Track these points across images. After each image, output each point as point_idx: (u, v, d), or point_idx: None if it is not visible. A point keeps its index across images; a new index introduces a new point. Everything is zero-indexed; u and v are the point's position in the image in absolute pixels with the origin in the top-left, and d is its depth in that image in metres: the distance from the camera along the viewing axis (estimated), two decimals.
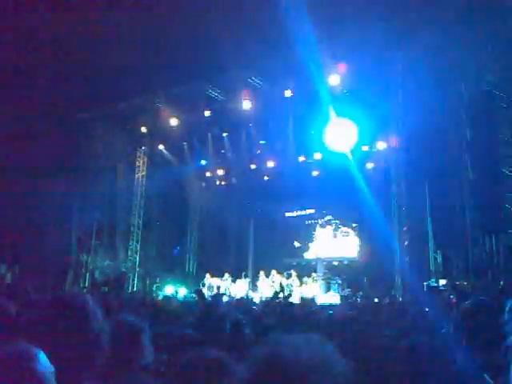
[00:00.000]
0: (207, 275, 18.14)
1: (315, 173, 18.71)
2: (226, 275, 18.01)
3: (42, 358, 1.28)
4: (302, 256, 19.98)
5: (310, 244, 20.02)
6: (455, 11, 11.92)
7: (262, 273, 17.91)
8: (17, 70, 14.79)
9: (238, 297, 15.09)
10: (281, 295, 10.13)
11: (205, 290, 17.10)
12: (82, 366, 1.54)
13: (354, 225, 19.26)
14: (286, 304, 7.09)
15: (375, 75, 14.21)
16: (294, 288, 16.31)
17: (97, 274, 18.54)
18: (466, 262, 12.22)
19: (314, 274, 17.35)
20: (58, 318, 1.63)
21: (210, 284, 17.75)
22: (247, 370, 0.91)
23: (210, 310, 4.41)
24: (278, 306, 6.79)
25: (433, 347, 2.03)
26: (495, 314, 2.45)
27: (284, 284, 16.70)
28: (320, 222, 20.04)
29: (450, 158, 12.84)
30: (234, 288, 17.40)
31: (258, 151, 18.93)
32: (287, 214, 21.31)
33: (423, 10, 12.39)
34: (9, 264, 17.12)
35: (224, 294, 15.38)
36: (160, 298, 12.11)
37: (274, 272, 17.40)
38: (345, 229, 19.46)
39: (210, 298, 11.25)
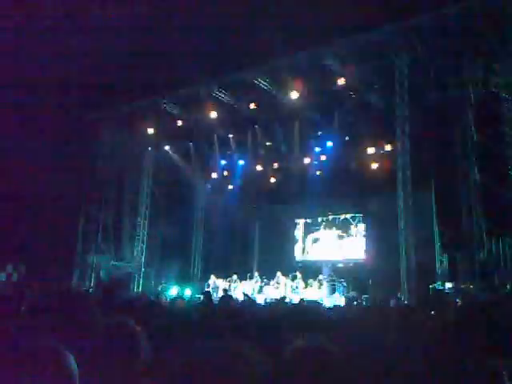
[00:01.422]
0: (212, 276, 18.14)
1: (320, 174, 18.67)
2: (234, 277, 18.01)
3: (69, 354, 1.32)
4: (307, 257, 19.97)
5: (314, 245, 20.01)
6: (462, 12, 11.88)
7: (267, 275, 17.90)
8: (25, 71, 14.88)
9: (242, 298, 15.09)
10: (287, 299, 10.11)
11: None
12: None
13: (359, 227, 19.22)
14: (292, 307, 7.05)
15: (381, 77, 14.19)
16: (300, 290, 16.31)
17: (102, 274, 18.60)
18: (472, 265, 12.14)
19: (320, 276, 17.30)
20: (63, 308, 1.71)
21: (214, 285, 17.74)
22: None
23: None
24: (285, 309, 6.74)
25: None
26: (489, 314, 2.44)
27: (290, 285, 16.70)
28: (325, 223, 20.01)
29: (457, 160, 12.77)
30: (239, 290, 17.38)
31: (264, 152, 18.94)
32: (293, 216, 21.28)
33: (429, 11, 12.36)
34: (15, 263, 17.23)
35: (231, 295, 15.33)
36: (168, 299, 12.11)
37: (279, 274, 17.37)
38: (350, 230, 19.42)
39: (216, 300, 11.26)
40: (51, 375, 1.26)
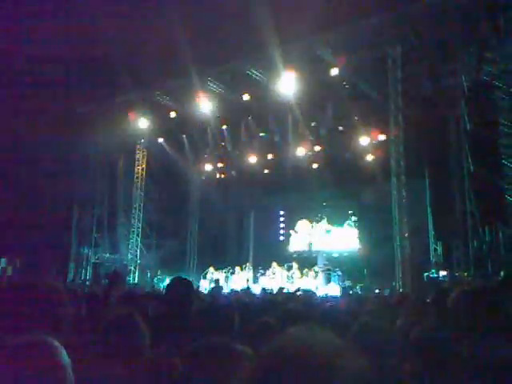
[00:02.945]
0: (211, 268, 18.05)
1: (315, 165, 18.69)
2: (228, 268, 18.05)
3: (61, 348, 1.30)
4: (302, 247, 20.05)
5: (308, 235, 20.08)
6: (454, 1, 11.87)
7: (262, 265, 17.98)
8: (17, 64, 14.74)
9: (238, 289, 15.16)
10: (285, 290, 10.17)
11: (206, 283, 17.18)
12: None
13: (354, 216, 19.32)
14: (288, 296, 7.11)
15: (374, 66, 14.16)
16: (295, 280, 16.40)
17: (98, 267, 18.60)
18: (466, 253, 12.27)
19: (315, 266, 17.38)
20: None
21: (212, 277, 17.76)
22: (257, 367, 0.88)
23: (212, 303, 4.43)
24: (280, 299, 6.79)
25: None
26: (489, 300, 2.48)
27: (285, 275, 16.79)
28: (319, 213, 20.08)
29: (450, 150, 12.84)
30: (235, 280, 17.44)
31: (258, 144, 18.90)
32: (287, 206, 21.35)
33: (422, 0, 12.34)
34: (10, 257, 17.16)
35: (221, 286, 15.38)
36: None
37: (274, 264, 17.44)
38: (345, 220, 19.53)
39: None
40: (43, 369, 1.24)
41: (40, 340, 1.29)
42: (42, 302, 1.78)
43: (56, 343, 1.30)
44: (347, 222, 19.47)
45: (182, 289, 3.38)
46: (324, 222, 19.88)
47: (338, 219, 19.69)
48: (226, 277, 17.72)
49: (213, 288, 11.32)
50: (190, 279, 3.74)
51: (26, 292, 1.80)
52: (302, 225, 20.51)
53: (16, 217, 15.60)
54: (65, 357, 1.30)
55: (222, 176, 21.29)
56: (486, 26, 11.88)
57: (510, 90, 11.31)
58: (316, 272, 16.88)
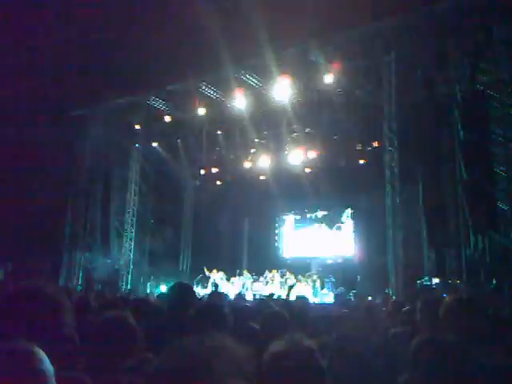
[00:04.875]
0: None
1: (309, 171, 18.70)
2: (221, 273, 17.97)
3: (44, 356, 1.26)
4: (296, 254, 20.04)
5: (303, 241, 20.07)
6: (450, 11, 11.97)
7: (256, 271, 17.93)
8: (13, 65, 14.69)
9: (232, 295, 15.07)
10: (276, 296, 10.13)
11: (198, 289, 17.10)
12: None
13: (348, 223, 19.33)
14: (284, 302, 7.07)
15: (369, 74, 14.24)
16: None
17: (90, 272, 18.46)
18: (459, 261, 12.29)
19: (311, 273, 17.34)
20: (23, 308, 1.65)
21: (207, 281, 17.66)
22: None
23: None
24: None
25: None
26: (476, 312, 2.48)
27: (279, 281, 16.76)
28: (314, 219, 20.10)
29: (444, 157, 12.90)
30: (228, 286, 17.37)
31: (253, 149, 18.89)
32: (282, 212, 21.35)
33: (417, 9, 12.43)
34: (1, 261, 17.02)
35: (221, 292, 15.28)
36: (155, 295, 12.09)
37: (268, 270, 17.40)
38: (339, 226, 19.52)
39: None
40: (24, 379, 1.19)
41: (21, 348, 1.23)
42: (45, 309, 1.69)
43: (39, 351, 1.25)
44: (341, 227, 19.49)
45: (184, 293, 3.41)
46: (319, 227, 19.88)
47: (332, 225, 19.71)
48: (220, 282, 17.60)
49: (211, 293, 11.22)
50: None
51: (27, 298, 1.71)
52: (297, 231, 20.52)
53: (8, 220, 15.50)
54: (48, 365, 1.24)
55: (217, 181, 21.25)
56: (480, 35, 11.98)
57: (502, 99, 11.39)
58: (311, 278, 16.85)
